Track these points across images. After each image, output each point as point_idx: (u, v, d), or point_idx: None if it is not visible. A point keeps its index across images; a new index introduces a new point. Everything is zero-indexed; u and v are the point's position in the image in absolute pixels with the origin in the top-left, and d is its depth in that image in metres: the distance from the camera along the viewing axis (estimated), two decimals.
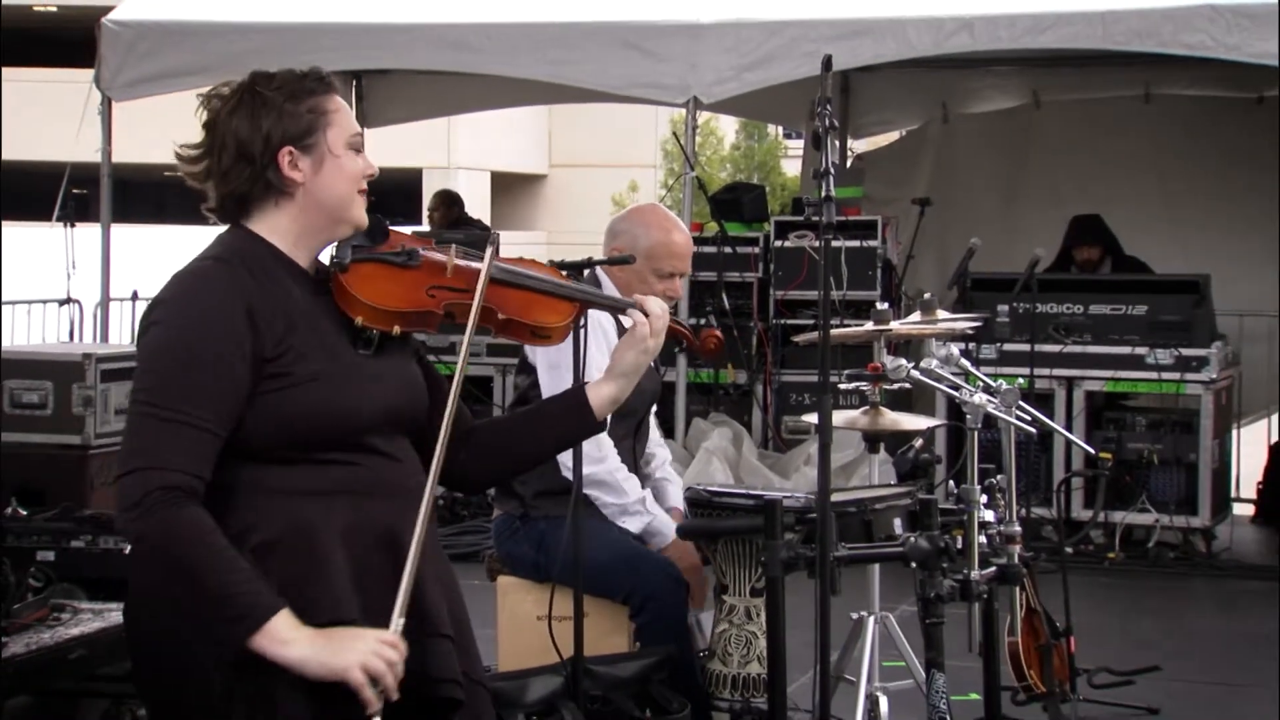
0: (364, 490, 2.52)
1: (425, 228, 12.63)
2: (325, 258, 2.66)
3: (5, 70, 25.69)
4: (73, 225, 8.96)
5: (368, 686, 2.37)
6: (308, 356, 2.48)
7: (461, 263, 2.66)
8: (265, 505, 2.46)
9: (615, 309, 2.82)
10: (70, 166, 8.95)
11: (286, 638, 2.37)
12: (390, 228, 2.68)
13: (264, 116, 2.51)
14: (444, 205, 11.18)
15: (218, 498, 2.46)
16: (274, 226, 2.55)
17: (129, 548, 5.32)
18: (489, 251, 2.64)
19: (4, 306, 9.75)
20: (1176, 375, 8.20)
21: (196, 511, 2.38)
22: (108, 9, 9.24)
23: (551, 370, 4.11)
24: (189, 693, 2.45)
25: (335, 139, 2.55)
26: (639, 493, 4.22)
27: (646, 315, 2.74)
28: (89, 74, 9.13)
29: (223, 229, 2.61)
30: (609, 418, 2.83)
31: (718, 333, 3.04)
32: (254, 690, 2.41)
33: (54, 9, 26.91)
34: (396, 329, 2.59)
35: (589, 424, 2.77)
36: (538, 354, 4.16)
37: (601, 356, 4.12)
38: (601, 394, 2.76)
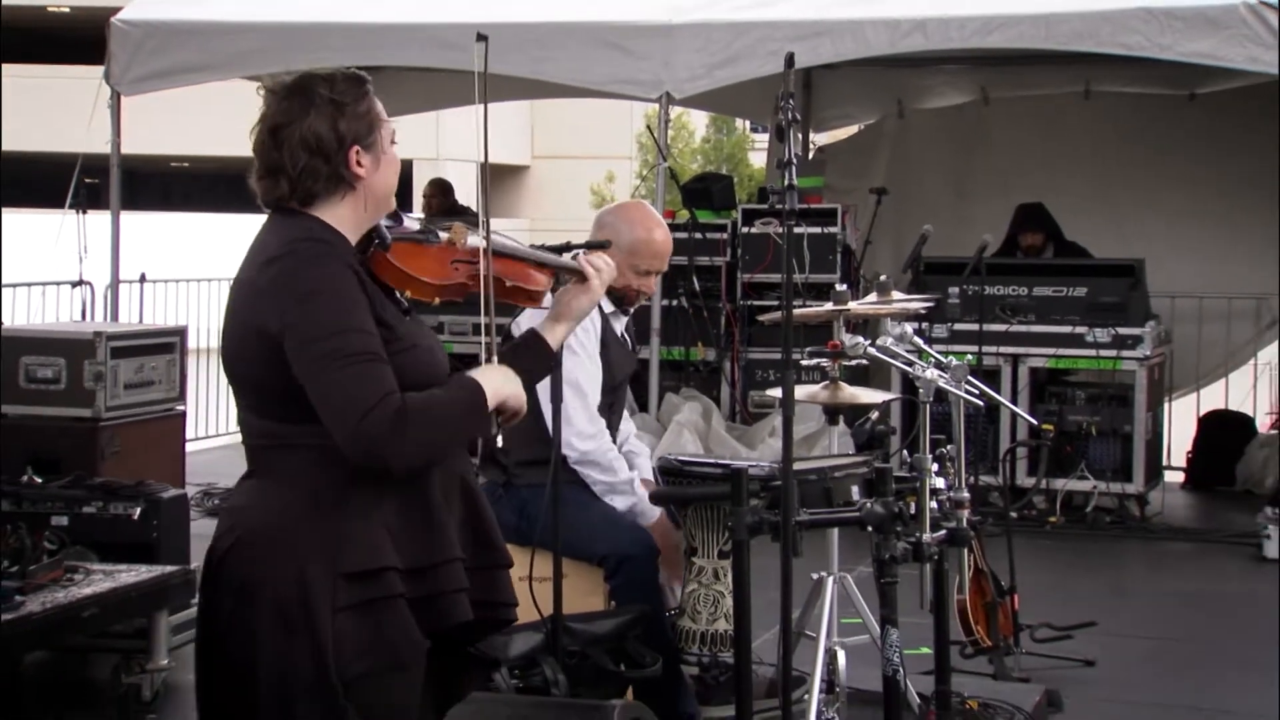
0: None
1: (420, 215, 12.58)
2: None
3: (22, 67, 25.58)
4: (84, 212, 8.90)
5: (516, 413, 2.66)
6: (397, 325, 2.60)
7: (467, 239, 2.74)
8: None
9: (570, 270, 2.92)
10: (82, 157, 8.89)
11: (497, 391, 2.61)
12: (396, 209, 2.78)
13: (340, 119, 2.60)
14: (440, 193, 11.12)
15: (324, 459, 2.53)
16: (337, 216, 2.63)
17: (138, 511, 5.35)
18: (484, 225, 2.70)
19: (21, 288, 9.73)
20: (1113, 352, 8.24)
21: (411, 396, 2.51)
22: (117, 9, 9.19)
23: None
24: (298, 644, 2.48)
25: (385, 137, 2.66)
26: (628, 474, 4.21)
27: (598, 271, 2.90)
28: (99, 70, 9.10)
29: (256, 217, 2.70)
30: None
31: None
32: (366, 624, 2.49)
33: (67, 9, 26.74)
34: (436, 300, 2.68)
35: (549, 358, 2.88)
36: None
37: (584, 334, 4.12)
38: (556, 334, 2.88)
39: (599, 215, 4.36)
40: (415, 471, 2.53)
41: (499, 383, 2.63)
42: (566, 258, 2.94)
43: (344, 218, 2.63)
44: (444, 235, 2.72)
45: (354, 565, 2.49)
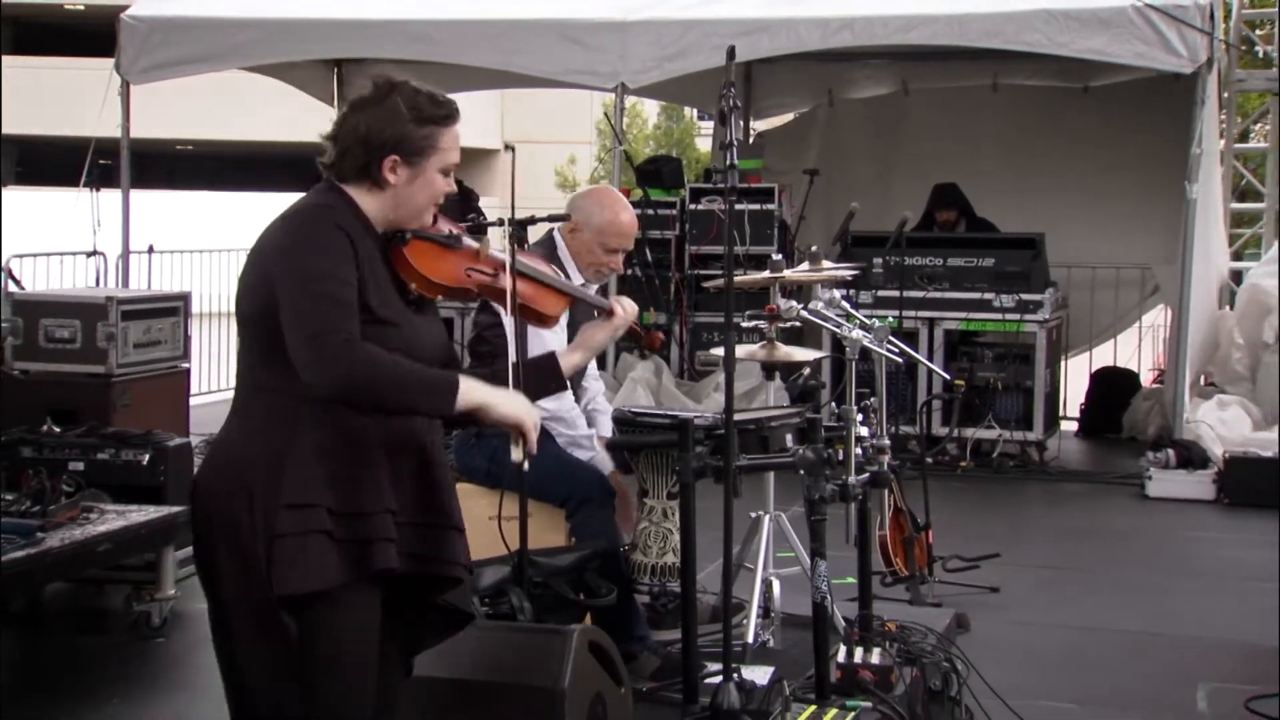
0: None
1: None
2: None
3: (40, 59, 25.04)
4: (98, 190, 8.82)
5: (532, 435, 2.58)
6: (382, 300, 2.53)
7: (491, 251, 2.71)
8: (324, 414, 2.48)
9: (597, 306, 2.93)
10: (95, 140, 8.78)
11: (476, 393, 2.53)
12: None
13: (389, 124, 2.54)
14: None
15: (277, 400, 2.49)
16: (363, 201, 2.59)
17: (146, 458, 5.29)
18: (510, 245, 2.71)
19: (40, 258, 9.61)
20: (1017, 316, 8.28)
21: (371, 346, 2.45)
22: (126, 6, 9.08)
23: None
24: (247, 565, 2.45)
25: (434, 165, 2.58)
26: (588, 430, 4.16)
27: (624, 310, 2.94)
28: (110, 62, 8.99)
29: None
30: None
31: (661, 335, 3.18)
32: (300, 552, 2.43)
33: (81, 7, 26.35)
34: (440, 298, 2.66)
35: (559, 382, 2.89)
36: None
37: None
38: (571, 361, 2.89)
39: (574, 197, 4.32)
40: (337, 397, 2.43)
41: (480, 393, 2.54)
42: (596, 294, 2.98)
43: (369, 206, 2.58)
44: (469, 244, 2.69)
45: (292, 497, 2.44)
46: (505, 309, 2.73)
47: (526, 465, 2.63)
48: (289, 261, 2.47)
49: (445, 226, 2.68)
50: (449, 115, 2.60)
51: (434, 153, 2.57)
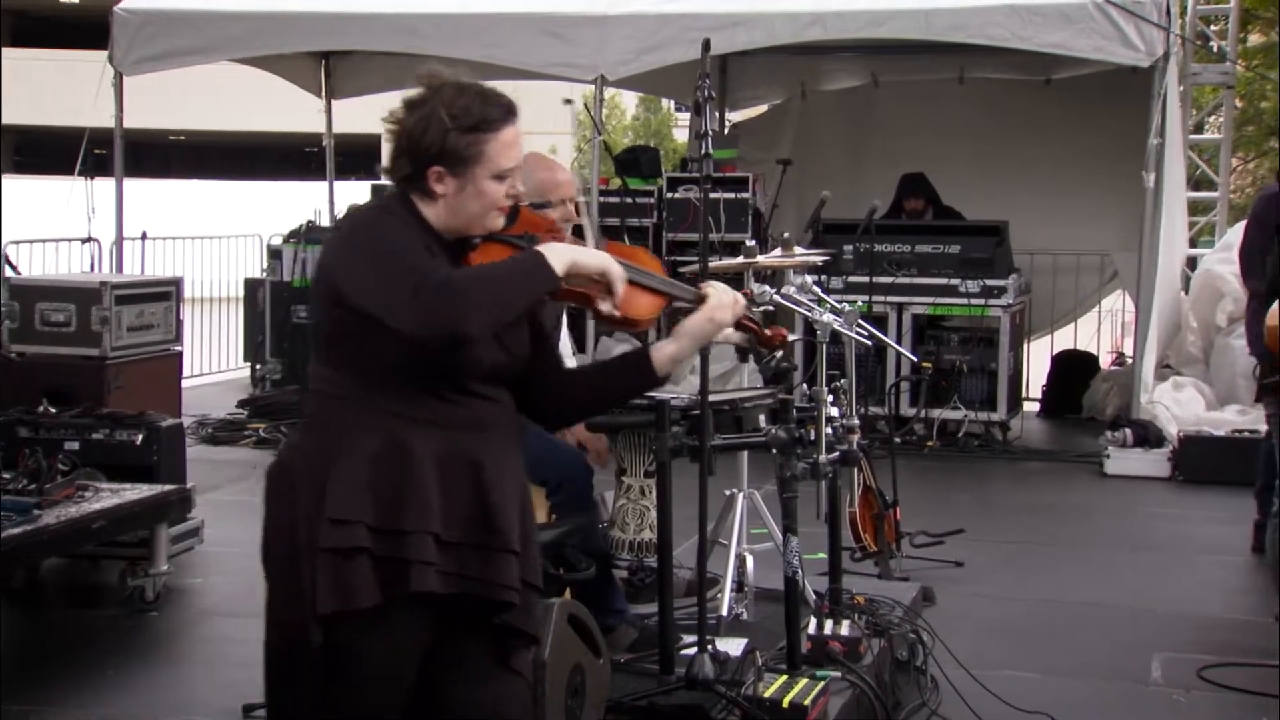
0: (458, 425, 2.36)
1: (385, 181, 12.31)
2: None
3: (36, 51, 24.86)
4: (92, 178, 8.77)
5: (619, 285, 2.34)
6: None
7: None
8: (372, 421, 2.31)
9: (690, 300, 2.53)
10: (89, 130, 8.72)
11: (562, 254, 2.28)
12: (524, 207, 2.47)
13: (429, 133, 2.30)
14: None
15: (334, 407, 2.34)
16: (423, 209, 2.37)
17: (140, 438, 5.25)
18: (591, 244, 2.48)
19: (37, 244, 9.56)
20: (982, 301, 8.30)
21: (460, 270, 2.29)
22: None
23: None
24: (292, 578, 2.31)
25: (482, 173, 2.33)
26: None
27: (717, 294, 2.57)
28: (104, 54, 8.93)
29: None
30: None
31: (785, 331, 2.77)
32: (338, 567, 2.28)
33: (76, 1, 26.12)
34: None
35: (650, 379, 2.54)
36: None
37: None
38: (664, 352, 2.53)
39: None
40: (485, 331, 2.22)
41: (563, 250, 2.29)
42: (687, 286, 2.56)
43: (429, 215, 2.36)
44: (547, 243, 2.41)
45: (336, 512, 2.28)
46: (592, 316, 2.41)
47: (618, 313, 2.35)
48: (353, 260, 2.26)
49: (534, 229, 2.41)
50: (499, 119, 2.34)
51: (481, 160, 2.31)
